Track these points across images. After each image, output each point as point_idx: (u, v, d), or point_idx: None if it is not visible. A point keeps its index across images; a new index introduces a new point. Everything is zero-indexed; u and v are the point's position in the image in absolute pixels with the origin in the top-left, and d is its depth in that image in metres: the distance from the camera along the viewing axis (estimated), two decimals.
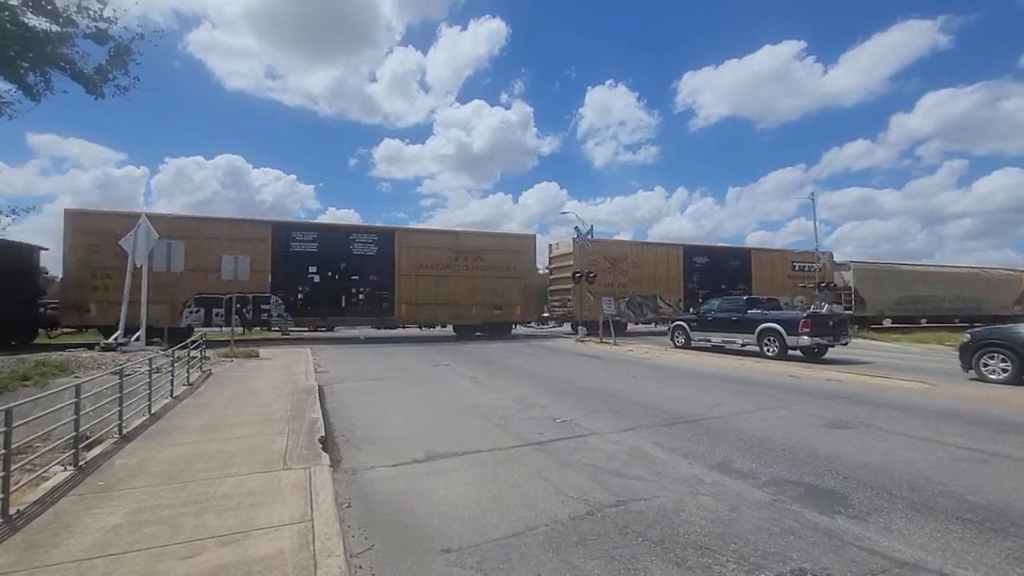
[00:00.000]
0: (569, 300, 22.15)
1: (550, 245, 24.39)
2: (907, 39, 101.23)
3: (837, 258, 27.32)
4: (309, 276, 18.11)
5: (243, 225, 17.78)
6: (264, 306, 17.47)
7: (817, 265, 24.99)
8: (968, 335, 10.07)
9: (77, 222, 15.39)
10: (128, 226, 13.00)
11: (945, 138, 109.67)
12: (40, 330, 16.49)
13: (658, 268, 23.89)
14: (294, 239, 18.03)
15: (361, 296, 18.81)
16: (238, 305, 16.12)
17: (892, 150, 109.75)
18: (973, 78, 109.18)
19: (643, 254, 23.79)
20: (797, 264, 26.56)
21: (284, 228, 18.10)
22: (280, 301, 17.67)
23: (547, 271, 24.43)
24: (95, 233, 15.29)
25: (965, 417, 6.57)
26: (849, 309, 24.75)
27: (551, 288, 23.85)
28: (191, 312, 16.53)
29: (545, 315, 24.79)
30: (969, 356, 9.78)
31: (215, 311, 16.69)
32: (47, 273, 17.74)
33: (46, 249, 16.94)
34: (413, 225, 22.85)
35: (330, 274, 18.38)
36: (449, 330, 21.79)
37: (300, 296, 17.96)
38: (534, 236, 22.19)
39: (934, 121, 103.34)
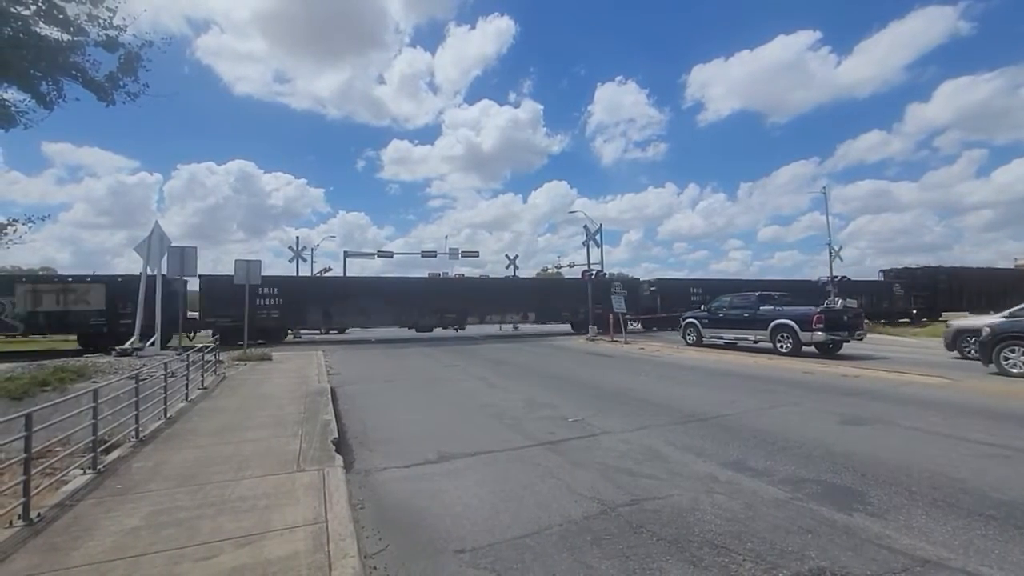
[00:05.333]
0: None
1: None
2: (926, 26, 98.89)
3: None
4: None
5: None
6: None
7: None
8: (988, 328, 9.87)
9: None
10: None
11: (964, 127, 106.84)
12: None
13: None
14: None
15: None
16: None
17: (908, 141, 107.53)
18: (993, 65, 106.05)
19: None
20: None
21: None
22: None
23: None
24: None
25: (986, 412, 6.44)
26: None
27: None
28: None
29: None
30: (989, 350, 9.60)
31: None
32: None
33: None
34: None
35: None
36: (464, 331, 22.87)
37: None
38: None
39: (952, 110, 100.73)
